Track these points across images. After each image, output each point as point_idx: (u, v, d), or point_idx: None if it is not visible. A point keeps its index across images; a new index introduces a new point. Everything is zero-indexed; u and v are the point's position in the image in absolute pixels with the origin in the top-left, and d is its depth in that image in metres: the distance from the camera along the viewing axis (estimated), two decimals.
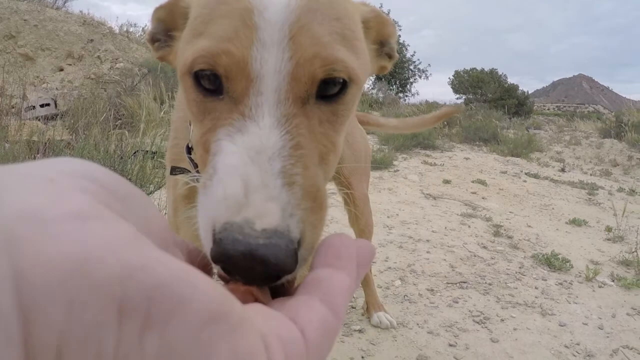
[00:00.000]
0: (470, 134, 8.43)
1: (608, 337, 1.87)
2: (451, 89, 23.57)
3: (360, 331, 1.76)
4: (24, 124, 3.77)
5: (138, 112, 4.99)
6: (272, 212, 0.34)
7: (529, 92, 24.39)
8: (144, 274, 0.19)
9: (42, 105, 5.49)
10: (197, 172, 0.59)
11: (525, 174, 5.72)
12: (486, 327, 1.87)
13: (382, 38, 0.62)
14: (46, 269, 0.17)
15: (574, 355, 1.72)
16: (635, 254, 2.78)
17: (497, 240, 3.01)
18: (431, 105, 12.19)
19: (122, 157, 2.91)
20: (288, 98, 0.42)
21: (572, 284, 2.37)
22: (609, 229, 3.44)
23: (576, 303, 2.16)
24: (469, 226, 3.25)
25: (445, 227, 3.16)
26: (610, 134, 10.17)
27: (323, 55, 0.43)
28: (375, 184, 4.24)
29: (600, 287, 2.37)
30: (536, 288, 2.29)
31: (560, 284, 2.37)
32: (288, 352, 0.24)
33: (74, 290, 0.17)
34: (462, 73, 23.14)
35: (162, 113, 5.03)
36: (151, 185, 2.87)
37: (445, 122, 8.67)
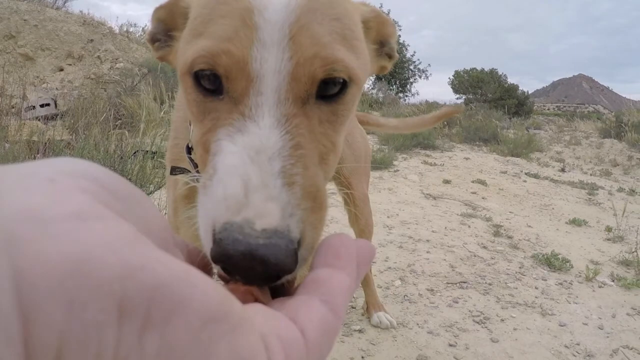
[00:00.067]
0: (470, 134, 8.44)
1: (608, 337, 1.87)
2: (451, 89, 23.58)
3: (360, 331, 1.76)
4: (24, 124, 3.76)
5: (138, 112, 4.99)
6: (272, 212, 0.34)
7: (529, 92, 24.38)
8: (144, 274, 0.19)
9: (42, 105, 5.48)
10: (197, 172, 0.59)
11: (525, 174, 5.72)
12: (486, 327, 1.87)
13: (382, 38, 0.62)
14: (46, 268, 0.17)
15: (574, 355, 1.72)
16: (635, 254, 2.78)
17: (497, 240, 3.01)
18: (431, 105, 12.18)
19: (122, 157, 2.91)
20: (288, 98, 0.42)
21: (572, 284, 2.37)
22: (609, 229, 3.44)
23: (576, 303, 2.16)
24: (469, 226, 3.25)
25: (445, 227, 3.16)
26: (610, 134, 10.18)
27: (323, 55, 0.43)
28: (375, 184, 4.24)
29: (600, 287, 2.37)
30: (536, 288, 2.29)
31: (560, 284, 2.37)
32: (288, 352, 0.24)
33: (74, 290, 0.17)
34: (462, 73, 23.12)
35: (162, 113, 5.02)
36: (151, 185, 2.87)
37: (445, 122, 8.68)
